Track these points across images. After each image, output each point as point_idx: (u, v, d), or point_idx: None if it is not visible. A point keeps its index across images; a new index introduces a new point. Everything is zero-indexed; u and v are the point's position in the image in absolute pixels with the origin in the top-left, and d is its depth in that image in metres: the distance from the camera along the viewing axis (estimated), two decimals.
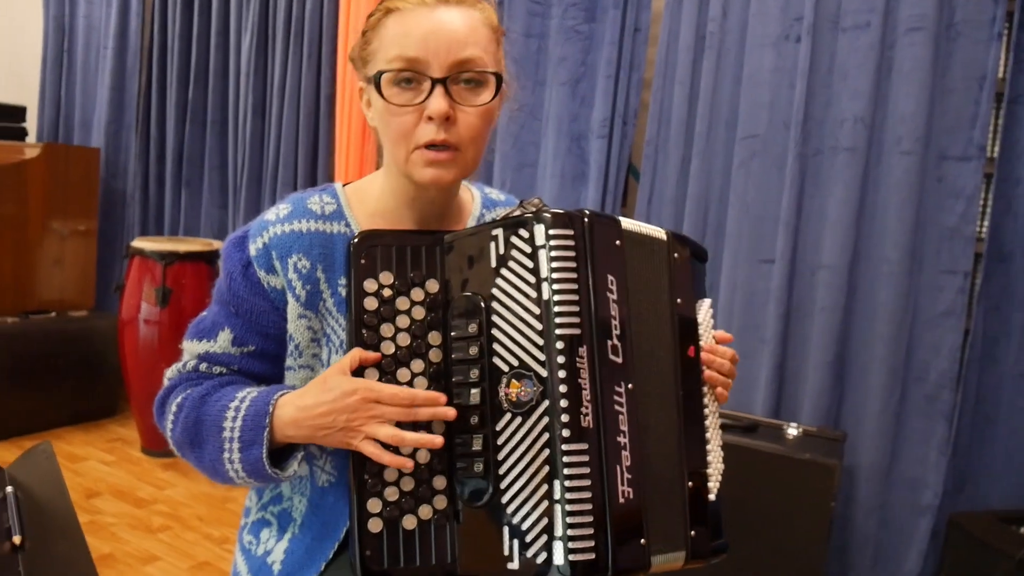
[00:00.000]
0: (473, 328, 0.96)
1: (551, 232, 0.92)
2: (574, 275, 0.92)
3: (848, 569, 2.26)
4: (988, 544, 1.88)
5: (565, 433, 0.89)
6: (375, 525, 0.95)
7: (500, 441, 0.93)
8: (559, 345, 0.90)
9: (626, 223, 1.01)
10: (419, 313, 0.99)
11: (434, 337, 0.99)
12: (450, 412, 0.94)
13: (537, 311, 0.92)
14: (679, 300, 1.06)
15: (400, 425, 0.94)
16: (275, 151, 3.36)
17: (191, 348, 1.11)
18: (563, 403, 0.89)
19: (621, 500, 0.91)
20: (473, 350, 0.96)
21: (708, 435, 1.08)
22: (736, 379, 1.18)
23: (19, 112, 3.90)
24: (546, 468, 0.90)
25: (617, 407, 0.93)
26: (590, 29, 2.65)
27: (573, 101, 2.67)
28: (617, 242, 0.98)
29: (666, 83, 2.52)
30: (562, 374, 0.90)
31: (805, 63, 2.23)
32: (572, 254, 0.92)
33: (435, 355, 0.99)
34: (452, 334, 0.98)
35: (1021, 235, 2.10)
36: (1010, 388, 2.13)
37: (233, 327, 1.08)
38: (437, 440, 0.94)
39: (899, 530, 2.20)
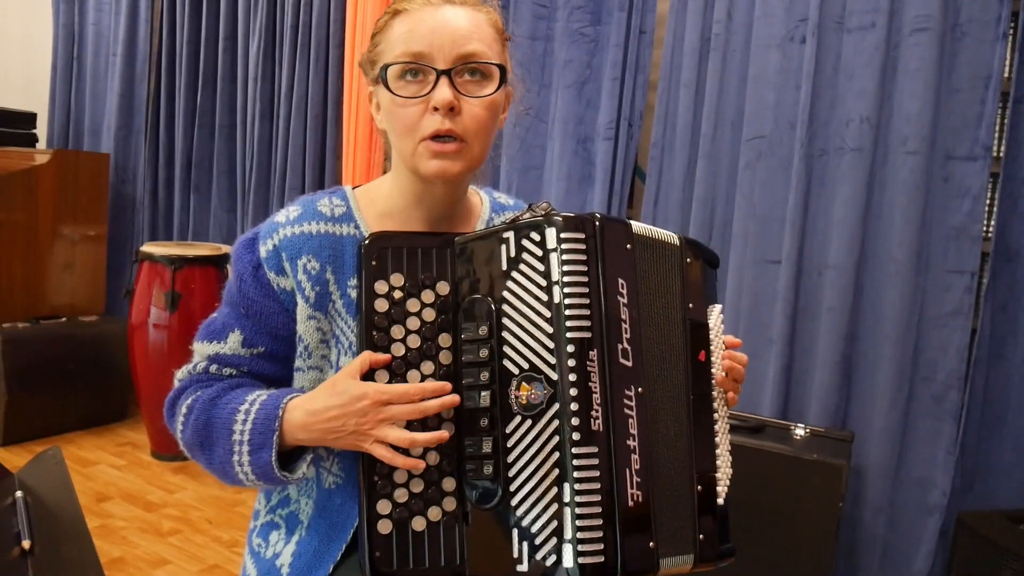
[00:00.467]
0: (483, 330, 0.96)
1: (562, 235, 0.93)
2: (585, 278, 0.93)
3: (856, 569, 2.26)
4: (997, 543, 1.88)
5: (575, 436, 0.89)
6: (384, 526, 0.95)
7: (510, 443, 0.93)
8: (570, 348, 0.91)
9: (637, 226, 1.01)
10: (429, 315, 0.99)
11: (444, 339, 0.99)
12: (455, 398, 0.96)
13: (548, 314, 0.92)
14: (691, 305, 1.07)
15: (409, 425, 0.95)
16: (283, 155, 3.37)
17: (201, 349, 1.12)
18: (573, 406, 0.90)
19: (630, 503, 0.91)
20: (483, 352, 0.96)
21: (717, 439, 1.09)
22: (743, 380, 1.19)
23: (30, 118, 3.93)
24: (556, 471, 0.90)
25: (627, 410, 0.94)
26: (596, 32, 2.66)
27: (579, 103, 2.68)
28: (628, 246, 0.98)
29: (672, 85, 2.53)
30: (572, 377, 0.90)
31: (810, 64, 2.23)
32: (583, 257, 0.93)
33: (445, 357, 0.99)
34: (462, 336, 0.98)
35: None
36: (1018, 387, 2.13)
37: (243, 328, 1.09)
38: (444, 435, 0.95)
39: (907, 530, 2.20)
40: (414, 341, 0.99)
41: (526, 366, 0.93)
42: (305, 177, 3.32)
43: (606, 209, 2.62)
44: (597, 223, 0.95)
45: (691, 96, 2.47)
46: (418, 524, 0.96)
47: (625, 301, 0.96)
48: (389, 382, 0.97)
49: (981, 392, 2.15)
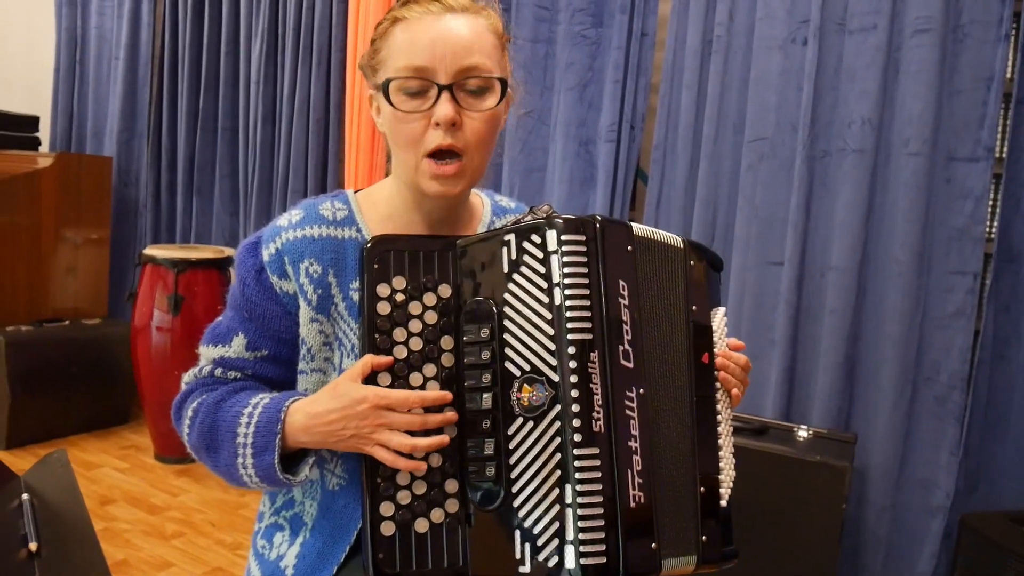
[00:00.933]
0: (485, 332, 0.97)
1: (563, 237, 0.93)
2: (586, 280, 0.93)
3: (860, 570, 2.26)
4: (1000, 545, 1.87)
5: (577, 437, 0.90)
6: (387, 528, 0.96)
7: (512, 445, 0.94)
8: (571, 350, 0.91)
9: (638, 228, 1.02)
10: (431, 318, 1.00)
11: (446, 341, 1.00)
12: (454, 415, 0.97)
13: (549, 316, 0.93)
14: (694, 307, 1.08)
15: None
16: (285, 158, 3.38)
17: (207, 353, 1.13)
18: (575, 407, 0.90)
19: (632, 504, 0.91)
20: (485, 354, 0.97)
21: (720, 441, 1.09)
22: (746, 381, 1.19)
23: (32, 122, 3.94)
24: (558, 472, 0.90)
25: (628, 411, 0.94)
26: (597, 34, 2.66)
27: (581, 106, 2.68)
28: (628, 247, 0.99)
29: (673, 87, 2.53)
30: (574, 379, 0.90)
31: (812, 65, 2.23)
32: (584, 259, 0.93)
33: (447, 359, 1.00)
34: (464, 338, 0.99)
35: None
36: (1021, 388, 2.13)
37: (247, 332, 1.10)
38: (444, 440, 0.95)
39: (911, 531, 2.20)
40: (416, 344, 0.99)
41: (527, 368, 0.93)
42: (307, 180, 3.33)
43: (608, 211, 2.62)
44: (598, 225, 0.95)
45: (693, 98, 2.47)
46: (421, 526, 0.97)
47: (626, 303, 0.96)
48: (391, 385, 0.97)
49: (984, 393, 2.15)
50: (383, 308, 0.99)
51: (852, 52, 2.21)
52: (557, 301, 0.92)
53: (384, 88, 1.03)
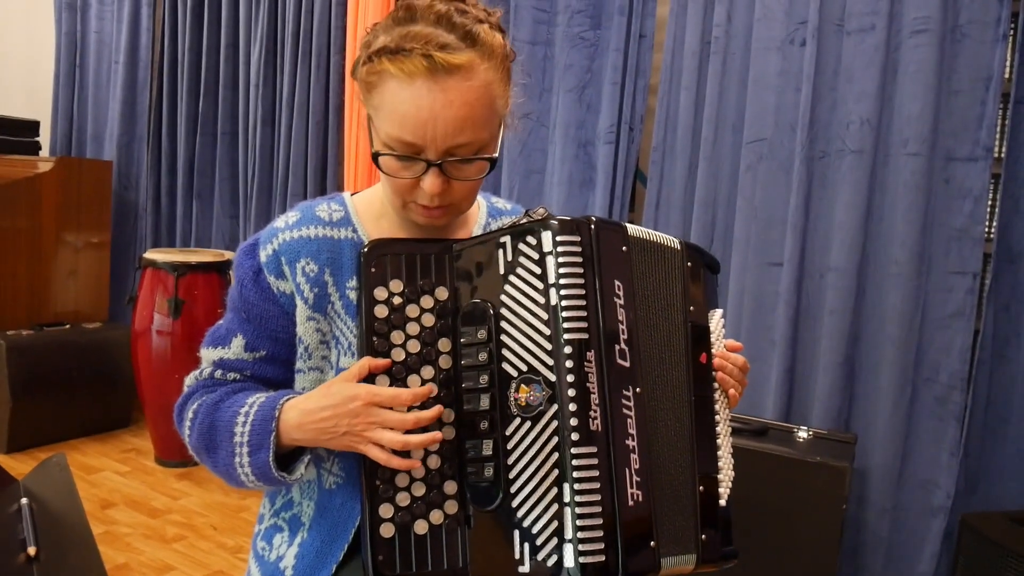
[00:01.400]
0: (482, 334, 0.97)
1: (558, 239, 0.94)
2: (581, 280, 0.93)
3: (861, 571, 2.25)
4: (1001, 545, 1.87)
5: (574, 437, 0.90)
6: (387, 530, 0.96)
7: (510, 445, 0.94)
8: (567, 350, 0.91)
9: (633, 230, 1.02)
10: (429, 320, 1.01)
11: (444, 344, 1.00)
12: (441, 409, 0.97)
13: (545, 316, 0.93)
14: (692, 308, 1.08)
15: None
16: (285, 161, 3.38)
17: (207, 355, 1.13)
18: (571, 407, 0.90)
19: (630, 503, 0.92)
20: (482, 356, 0.97)
21: (719, 441, 1.09)
22: (743, 381, 1.19)
23: (33, 127, 3.95)
24: (555, 471, 0.91)
25: (625, 410, 0.94)
26: (596, 36, 2.67)
27: (580, 108, 2.69)
28: (623, 248, 0.99)
29: (672, 88, 2.53)
30: (570, 378, 0.91)
31: (810, 66, 2.23)
32: (579, 260, 0.94)
33: (445, 361, 1.00)
34: (462, 340, 0.99)
35: None
36: (1021, 388, 2.13)
37: (245, 333, 1.10)
38: (437, 436, 0.95)
39: (911, 532, 2.19)
40: (414, 346, 1.00)
41: (524, 368, 0.94)
42: (307, 183, 3.33)
43: (607, 213, 2.63)
44: (593, 226, 0.96)
45: (691, 99, 2.47)
46: (420, 527, 0.97)
47: (622, 303, 0.96)
48: (390, 387, 0.98)
49: (984, 393, 2.15)
50: (380, 311, 0.99)
51: (850, 53, 2.21)
52: (553, 302, 0.93)
53: (374, 157, 1.02)
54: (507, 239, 0.97)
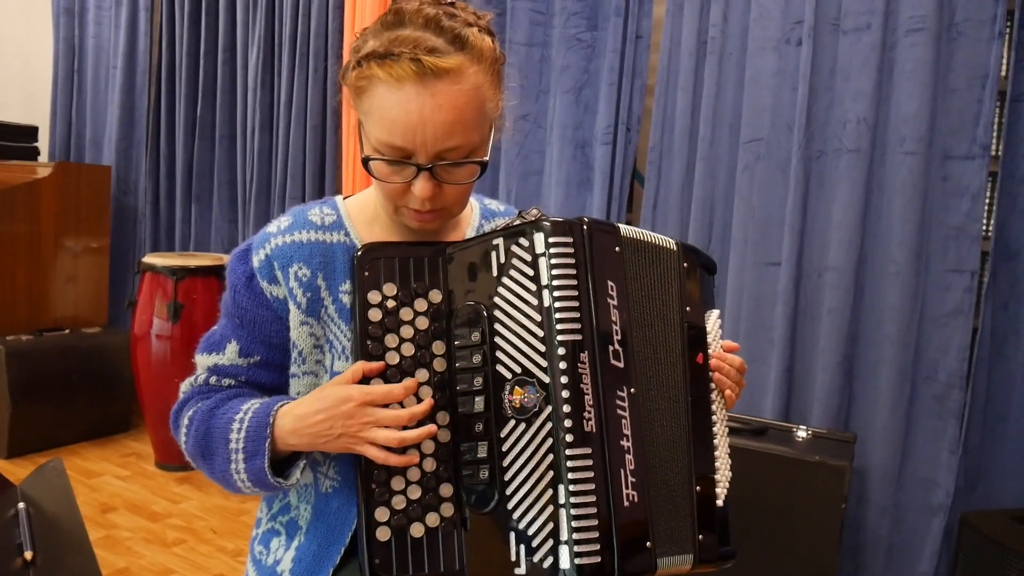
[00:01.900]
0: (476, 337, 0.97)
1: (551, 240, 0.93)
2: (574, 282, 0.93)
3: (861, 570, 2.25)
4: (1001, 543, 1.87)
5: (568, 438, 0.90)
6: (383, 534, 0.96)
7: (505, 448, 0.94)
8: (560, 351, 0.91)
9: (627, 230, 1.02)
10: (423, 323, 1.01)
11: (438, 347, 1.01)
12: (431, 403, 0.98)
13: (538, 318, 0.93)
14: (688, 308, 1.08)
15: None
16: (283, 165, 3.39)
17: (202, 361, 1.14)
18: (565, 408, 0.90)
19: (626, 504, 0.91)
20: (476, 358, 0.97)
21: (716, 441, 1.09)
22: (740, 382, 1.19)
23: (31, 132, 3.95)
24: (550, 473, 0.91)
25: (620, 411, 0.94)
26: (592, 37, 2.67)
27: (577, 109, 2.69)
28: (616, 248, 0.99)
29: (669, 89, 2.53)
30: (564, 380, 0.91)
31: (807, 66, 2.23)
32: (572, 261, 0.94)
33: (439, 364, 1.00)
34: (456, 343, 1.00)
35: None
36: (1020, 385, 2.12)
37: (239, 339, 1.11)
38: (432, 428, 0.96)
39: (911, 530, 2.19)
40: (408, 349, 1.00)
41: (518, 370, 0.94)
42: (305, 187, 3.34)
43: (605, 214, 2.63)
44: (585, 227, 0.95)
45: (688, 100, 2.47)
46: (416, 530, 0.97)
47: (615, 303, 0.96)
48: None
49: (983, 391, 2.15)
50: (374, 315, 0.99)
51: (846, 52, 2.21)
52: (546, 303, 0.92)
53: (364, 162, 1.02)
54: (500, 241, 0.97)
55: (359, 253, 1.01)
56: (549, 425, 0.91)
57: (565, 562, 0.88)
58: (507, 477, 0.93)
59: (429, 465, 0.98)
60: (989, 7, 2.05)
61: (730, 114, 2.42)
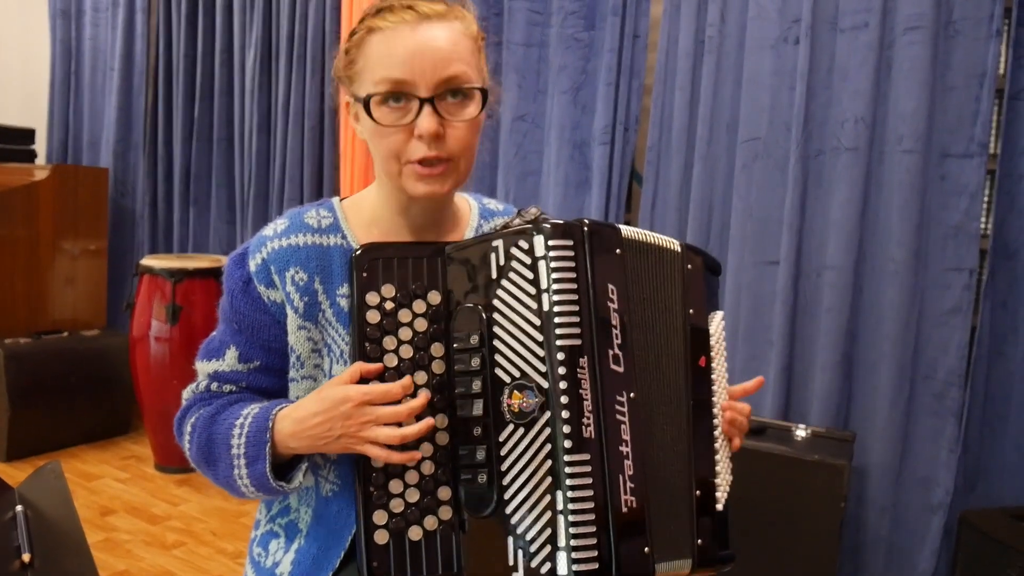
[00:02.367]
0: (475, 339, 0.97)
1: (550, 243, 0.93)
2: (574, 285, 0.93)
3: (861, 569, 2.25)
4: (1001, 541, 1.87)
5: (567, 444, 0.89)
6: (381, 537, 0.96)
7: (503, 452, 0.94)
8: (559, 356, 0.91)
9: (628, 231, 1.01)
10: (421, 325, 1.00)
11: (436, 349, 1.00)
12: (428, 396, 0.97)
13: (538, 322, 0.92)
14: (691, 310, 1.07)
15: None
16: (281, 167, 3.38)
17: (203, 368, 1.14)
18: (564, 414, 0.90)
19: (624, 509, 0.91)
20: (475, 361, 0.96)
21: (717, 445, 1.09)
22: (746, 431, 1.20)
23: (28, 134, 3.95)
24: (549, 478, 0.90)
25: (619, 416, 0.94)
26: (590, 37, 2.66)
27: (575, 109, 2.68)
28: (617, 251, 0.99)
29: (666, 88, 2.53)
30: (563, 385, 0.90)
31: (804, 65, 2.23)
32: (572, 264, 0.93)
33: (438, 366, 1.00)
34: (454, 345, 0.99)
35: None
36: (1019, 384, 2.12)
37: (238, 344, 1.10)
38: (431, 422, 0.95)
39: (911, 529, 2.19)
40: (406, 351, 0.99)
41: (517, 374, 0.93)
42: (303, 188, 3.33)
43: (603, 214, 2.62)
44: (585, 229, 0.95)
45: (686, 99, 2.47)
46: (415, 533, 0.97)
47: (615, 307, 0.96)
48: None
49: (982, 390, 2.15)
50: (372, 316, 0.99)
51: (844, 50, 2.21)
52: (546, 307, 0.92)
53: (365, 103, 1.02)
54: (499, 243, 0.96)
55: (357, 253, 1.01)
56: (548, 431, 0.91)
57: (563, 567, 0.88)
58: (506, 481, 0.93)
59: (427, 468, 0.98)
60: (987, 5, 2.05)
61: (728, 113, 2.42)
